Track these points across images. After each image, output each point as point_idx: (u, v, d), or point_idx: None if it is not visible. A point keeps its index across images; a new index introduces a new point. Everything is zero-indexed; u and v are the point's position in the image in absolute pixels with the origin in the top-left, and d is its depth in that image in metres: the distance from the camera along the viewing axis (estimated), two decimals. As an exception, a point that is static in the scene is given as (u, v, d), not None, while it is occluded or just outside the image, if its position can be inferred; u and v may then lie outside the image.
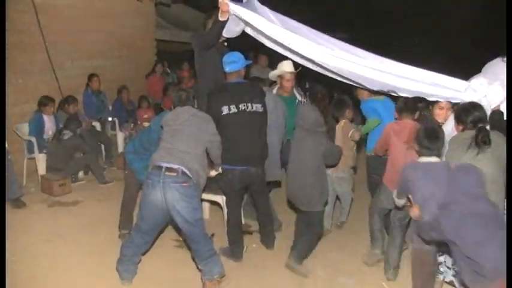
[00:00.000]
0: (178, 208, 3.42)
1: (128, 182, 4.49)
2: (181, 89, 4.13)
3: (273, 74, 5.09)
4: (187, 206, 3.43)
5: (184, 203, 3.42)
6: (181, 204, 3.42)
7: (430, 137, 3.22)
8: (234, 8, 4.04)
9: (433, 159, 3.22)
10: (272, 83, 5.33)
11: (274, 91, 5.06)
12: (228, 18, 4.13)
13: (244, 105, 3.98)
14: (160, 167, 3.45)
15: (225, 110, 3.93)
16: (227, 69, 4.07)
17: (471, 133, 3.25)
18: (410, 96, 3.93)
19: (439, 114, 4.01)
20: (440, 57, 11.00)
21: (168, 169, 3.43)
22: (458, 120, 3.47)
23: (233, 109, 3.95)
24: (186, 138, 3.57)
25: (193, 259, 3.77)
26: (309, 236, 4.12)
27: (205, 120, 3.74)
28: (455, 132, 3.56)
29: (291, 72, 4.92)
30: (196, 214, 3.52)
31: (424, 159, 3.23)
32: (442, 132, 3.35)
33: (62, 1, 6.82)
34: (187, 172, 3.44)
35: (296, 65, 4.83)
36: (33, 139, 5.96)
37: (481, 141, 3.12)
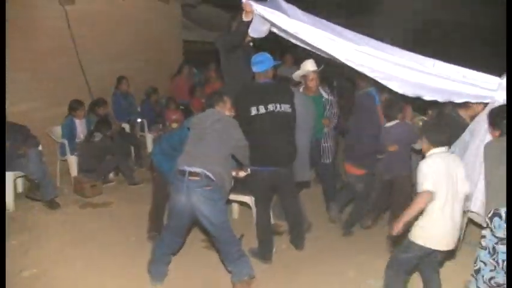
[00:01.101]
0: (203, 211, 3.44)
1: (157, 185, 4.52)
2: (215, 92, 4.14)
3: (296, 75, 5.05)
4: (212, 209, 3.45)
5: (209, 206, 3.43)
6: (206, 207, 3.43)
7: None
8: (258, 8, 4.01)
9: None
10: (297, 83, 5.29)
11: (301, 91, 5.02)
12: (252, 19, 4.11)
13: (273, 106, 3.96)
14: (183, 171, 3.46)
15: (253, 111, 3.92)
16: (254, 69, 4.06)
17: None
18: (439, 100, 3.72)
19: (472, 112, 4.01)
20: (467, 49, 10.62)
21: (191, 173, 3.44)
22: (494, 124, 3.29)
23: (262, 109, 3.93)
24: (210, 142, 3.57)
25: (222, 261, 3.77)
26: None
27: (232, 125, 3.73)
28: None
29: (314, 71, 4.87)
30: (222, 216, 3.53)
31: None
32: None
33: (91, 6, 6.95)
34: (211, 175, 3.44)
35: (319, 63, 4.78)
36: (66, 141, 6.08)
37: None
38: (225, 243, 3.58)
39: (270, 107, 3.94)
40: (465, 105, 4.03)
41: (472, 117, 4.05)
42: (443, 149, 3.24)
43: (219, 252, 3.80)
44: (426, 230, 3.18)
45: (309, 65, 4.88)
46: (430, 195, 3.07)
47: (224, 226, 3.53)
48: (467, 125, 4.01)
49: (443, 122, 4.14)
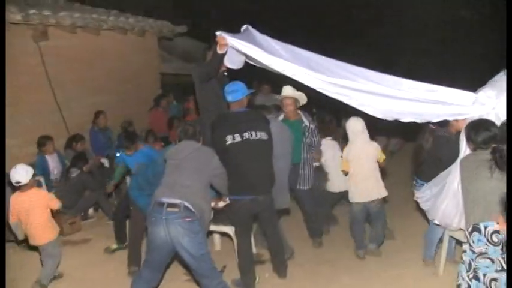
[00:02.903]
0: (183, 243, 3.39)
1: (135, 218, 4.45)
2: (187, 123, 4.15)
3: (274, 99, 5.11)
4: (192, 241, 3.40)
5: (188, 238, 3.38)
6: (186, 239, 3.38)
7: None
8: (232, 41, 4.06)
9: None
10: (279, 110, 5.34)
11: (281, 117, 5.06)
12: (226, 51, 4.16)
13: (248, 134, 3.97)
14: (162, 203, 3.42)
15: (229, 140, 3.92)
16: (229, 98, 4.08)
17: (485, 154, 3.11)
18: (417, 121, 3.76)
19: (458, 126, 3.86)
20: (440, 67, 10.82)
21: (170, 205, 3.40)
22: (468, 138, 3.35)
23: (237, 138, 3.94)
24: (188, 172, 3.55)
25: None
26: None
27: (209, 154, 3.73)
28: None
29: (289, 97, 4.94)
30: (202, 249, 3.48)
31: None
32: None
33: (65, 42, 6.95)
34: (190, 207, 3.41)
35: (299, 88, 4.83)
36: (42, 178, 5.96)
37: (502, 163, 2.94)
38: (205, 277, 3.53)
39: (246, 135, 3.95)
40: (448, 123, 4.06)
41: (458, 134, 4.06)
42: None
43: (200, 285, 3.72)
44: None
45: (284, 91, 4.94)
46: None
47: (204, 258, 3.48)
48: None
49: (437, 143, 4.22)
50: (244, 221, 4.15)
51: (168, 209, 3.39)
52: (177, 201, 3.41)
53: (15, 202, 4.17)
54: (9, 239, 5.19)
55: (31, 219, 4.19)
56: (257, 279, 4.24)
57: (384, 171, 4.97)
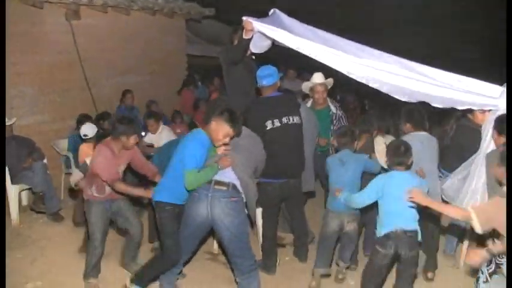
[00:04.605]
0: (226, 222, 3.35)
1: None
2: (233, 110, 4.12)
3: (305, 86, 5.07)
4: (234, 220, 3.37)
5: (232, 218, 3.36)
6: (229, 219, 3.35)
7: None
8: (258, 26, 4.03)
9: None
10: (305, 96, 5.31)
11: (309, 104, 5.04)
12: (252, 36, 4.15)
13: (286, 118, 3.99)
14: (210, 180, 3.38)
15: (269, 125, 3.95)
16: (264, 82, 4.07)
17: None
18: (442, 106, 3.63)
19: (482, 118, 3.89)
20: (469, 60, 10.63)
21: (218, 182, 3.37)
22: (500, 132, 3.30)
23: (276, 123, 3.96)
24: (239, 153, 3.51)
25: (232, 270, 3.70)
26: None
27: (258, 141, 3.75)
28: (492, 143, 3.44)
29: (320, 84, 4.89)
30: (243, 228, 3.48)
31: None
32: None
33: (97, 22, 7.03)
34: (238, 187, 3.41)
35: (327, 75, 4.81)
36: (70, 155, 6.11)
37: None
38: (240, 256, 3.47)
39: (284, 119, 3.97)
40: (473, 115, 4.07)
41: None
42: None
43: (229, 263, 3.77)
44: None
45: (316, 78, 4.91)
46: None
47: (243, 238, 3.46)
48: None
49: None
50: (274, 203, 4.20)
51: (216, 187, 3.36)
52: (226, 179, 3.40)
53: (84, 151, 4.86)
54: (40, 210, 5.40)
55: None
56: (278, 261, 4.31)
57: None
